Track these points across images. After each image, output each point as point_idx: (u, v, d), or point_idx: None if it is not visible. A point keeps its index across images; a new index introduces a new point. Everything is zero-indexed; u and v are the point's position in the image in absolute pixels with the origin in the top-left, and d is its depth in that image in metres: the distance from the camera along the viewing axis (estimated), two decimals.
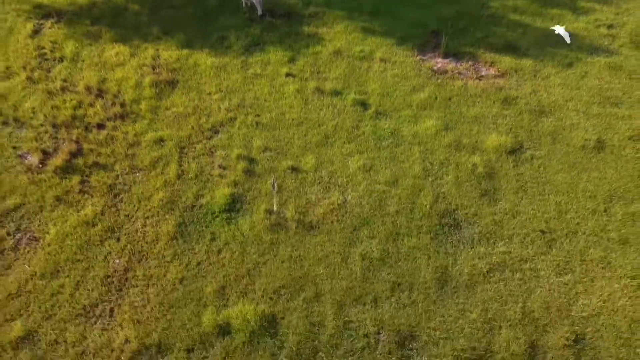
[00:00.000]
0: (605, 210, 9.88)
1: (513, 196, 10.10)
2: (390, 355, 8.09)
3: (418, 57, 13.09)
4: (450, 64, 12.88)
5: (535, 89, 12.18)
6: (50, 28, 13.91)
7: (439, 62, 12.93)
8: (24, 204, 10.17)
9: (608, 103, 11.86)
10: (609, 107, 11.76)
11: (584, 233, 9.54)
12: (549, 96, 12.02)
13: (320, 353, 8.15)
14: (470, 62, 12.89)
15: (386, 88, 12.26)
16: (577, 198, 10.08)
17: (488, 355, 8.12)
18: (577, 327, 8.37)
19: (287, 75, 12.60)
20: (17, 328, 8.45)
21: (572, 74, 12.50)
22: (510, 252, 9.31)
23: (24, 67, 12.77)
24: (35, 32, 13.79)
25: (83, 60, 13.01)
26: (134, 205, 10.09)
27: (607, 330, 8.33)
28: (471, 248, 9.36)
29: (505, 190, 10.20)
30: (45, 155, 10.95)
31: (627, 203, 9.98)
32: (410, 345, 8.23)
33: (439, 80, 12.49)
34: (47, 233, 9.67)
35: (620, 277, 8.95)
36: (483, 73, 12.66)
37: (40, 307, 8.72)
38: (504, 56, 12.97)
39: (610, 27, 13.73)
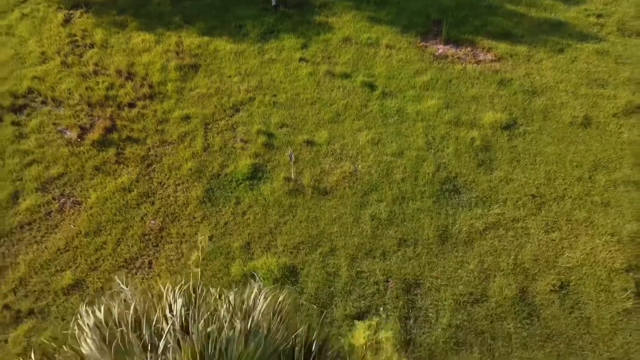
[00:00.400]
0: (589, 178, 11.02)
1: (507, 166, 11.24)
2: (397, 299, 9.24)
3: (421, 44, 14.21)
4: (450, 50, 14.00)
5: (528, 72, 13.31)
6: (79, 17, 15.04)
7: (440, 48, 14.06)
8: (65, 173, 11.32)
9: (595, 84, 12.98)
10: (595, 88, 12.88)
11: (570, 197, 10.68)
12: (541, 78, 13.15)
13: (335, 298, 9.29)
14: (469, 48, 14.02)
15: (392, 71, 13.39)
16: (565, 167, 11.22)
17: (483, 299, 9.27)
18: (562, 276, 9.51)
19: (301, 60, 13.73)
20: (67, 277, 9.60)
21: (563, 59, 13.63)
22: (504, 213, 10.45)
23: (58, 53, 13.91)
24: (66, 21, 14.92)
25: (112, 47, 14.15)
26: (166, 174, 11.24)
27: (589, 278, 9.48)
28: (469, 210, 10.49)
29: (500, 161, 11.33)
30: (83, 130, 12.10)
31: (610, 172, 11.12)
32: (415, 291, 9.37)
33: (440, 65, 13.62)
34: (88, 198, 10.82)
35: (602, 234, 10.09)
36: (481, 58, 13.79)
37: (86, 260, 9.88)
38: (500, 43, 14.10)
39: (599, 16, 14.85)
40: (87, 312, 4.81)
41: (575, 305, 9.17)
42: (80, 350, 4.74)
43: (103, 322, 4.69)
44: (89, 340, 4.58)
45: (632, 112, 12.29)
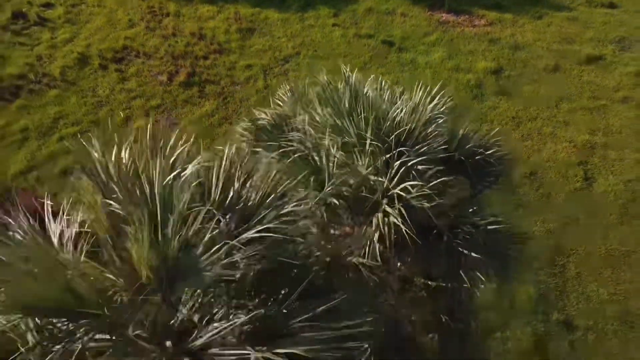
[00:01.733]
0: (556, 106, 14.94)
1: (494, 98, 15.16)
2: None
3: (428, 13, 18.15)
4: (451, 18, 17.94)
5: (513, 33, 17.25)
6: None
7: (444, 16, 17.98)
8: (162, 104, 15.27)
9: (564, 42, 16.91)
10: (565, 45, 16.81)
11: (541, 118, 14.61)
12: (522, 38, 17.08)
13: None
14: (466, 16, 17.95)
15: (406, 33, 17.33)
16: (538, 99, 15.15)
17: None
18: (532, 168, 13.42)
19: (334, 25, 17.69)
20: None
21: (541, 23, 17.56)
22: (491, 129, 14.35)
23: (142, 20, 17.88)
24: None
25: (184, 15, 18.11)
26: (237, 104, 15.18)
27: (551, 169, 13.39)
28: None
29: (489, 94, 15.25)
30: (171, 75, 16.05)
31: (571, 102, 15.04)
32: None
33: (443, 28, 17.55)
34: (182, 120, 14.76)
35: (562, 142, 14.00)
36: (476, 23, 17.72)
37: None
38: (491, 12, 18.04)
39: None
40: None
41: (541, 185, 13.08)
42: None
43: None
44: None
45: (591, 61, 16.22)
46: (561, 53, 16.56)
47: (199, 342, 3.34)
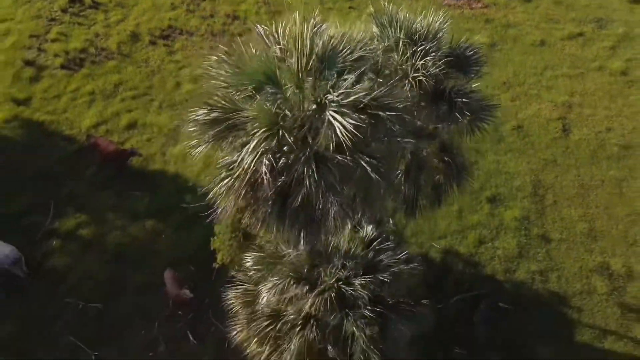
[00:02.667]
0: (541, 74, 17.75)
1: (489, 67, 17.94)
2: None
3: None
4: (453, 1, 20.75)
5: (505, 14, 20.06)
6: None
7: (446, 0, 20.80)
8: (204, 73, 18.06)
9: (550, 22, 19.72)
10: (550, 24, 19.62)
11: (527, 83, 17.42)
12: (514, 18, 19.89)
13: None
14: (465, 0, 20.77)
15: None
16: (525, 68, 17.96)
17: None
18: (519, 122, 16.22)
19: (350, 7, 20.51)
20: None
21: (530, 6, 20.36)
22: (483, 91, 17.16)
23: (182, 3, 20.69)
24: None
25: (219, 0, 20.96)
26: None
27: (535, 123, 16.19)
28: None
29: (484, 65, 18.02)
30: (211, 49, 18.87)
31: (554, 70, 17.85)
32: None
33: (446, 10, 20.37)
34: None
35: (545, 102, 16.81)
36: (474, 6, 20.52)
37: None
38: None
39: None
40: None
41: (527, 136, 15.89)
42: None
43: None
44: None
45: (573, 38, 19.03)
46: (547, 31, 19.37)
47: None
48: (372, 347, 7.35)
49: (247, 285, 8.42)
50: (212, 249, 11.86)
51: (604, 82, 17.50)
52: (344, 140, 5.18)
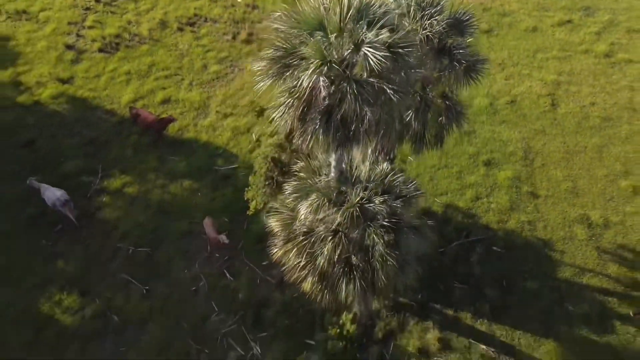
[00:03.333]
0: (533, 56, 19.81)
1: (486, 50, 20.00)
2: None
3: None
4: None
5: (502, 3, 22.11)
6: None
7: None
8: (229, 56, 20.17)
9: (542, 10, 21.78)
10: (542, 12, 21.68)
11: (520, 64, 19.47)
12: (509, 7, 21.95)
13: None
14: None
15: None
16: (519, 51, 20.01)
17: (470, 105, 18.01)
18: (513, 98, 18.27)
19: None
20: (245, 100, 18.39)
21: None
22: None
23: None
24: None
25: None
26: None
27: (527, 99, 18.24)
28: None
29: (481, 48, 20.08)
30: (234, 34, 20.96)
31: (544, 53, 19.90)
32: None
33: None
34: (246, 66, 19.64)
35: (536, 80, 18.85)
36: None
37: None
38: None
39: None
40: None
41: (519, 109, 17.95)
42: None
43: None
44: None
45: (562, 24, 21.10)
46: (539, 18, 21.43)
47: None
48: (388, 251, 9.38)
49: (285, 212, 10.45)
50: (245, 199, 13.91)
51: (589, 63, 19.56)
52: (375, 67, 7.21)
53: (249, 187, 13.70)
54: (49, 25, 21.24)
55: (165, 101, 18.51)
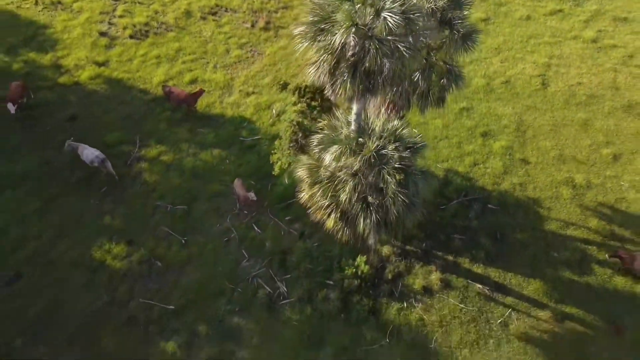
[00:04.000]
0: (526, 41, 21.89)
1: (483, 37, 22.07)
2: None
3: None
4: None
5: None
6: None
7: None
8: (249, 41, 22.28)
9: (536, 0, 23.87)
10: (536, 2, 23.77)
11: (514, 49, 21.55)
12: None
13: None
14: None
15: None
16: (514, 37, 22.10)
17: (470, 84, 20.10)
18: (507, 79, 20.35)
19: None
20: (268, 79, 20.50)
21: None
22: (480, 56, 21.30)
23: None
24: None
25: None
26: None
27: (520, 79, 20.32)
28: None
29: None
30: (252, 23, 23.07)
31: (537, 39, 22.00)
32: None
33: None
34: (265, 51, 21.74)
35: (529, 63, 20.95)
36: None
37: (273, 74, 20.77)
38: None
39: None
40: None
41: (513, 88, 20.03)
42: None
43: None
44: None
45: (554, 13, 23.19)
46: (532, 8, 23.52)
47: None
48: (399, 190, 11.45)
49: (311, 162, 12.54)
50: (271, 162, 15.97)
51: (577, 48, 21.64)
52: (392, 28, 9.25)
53: (275, 151, 15.77)
54: (83, 14, 23.36)
55: (193, 81, 20.59)
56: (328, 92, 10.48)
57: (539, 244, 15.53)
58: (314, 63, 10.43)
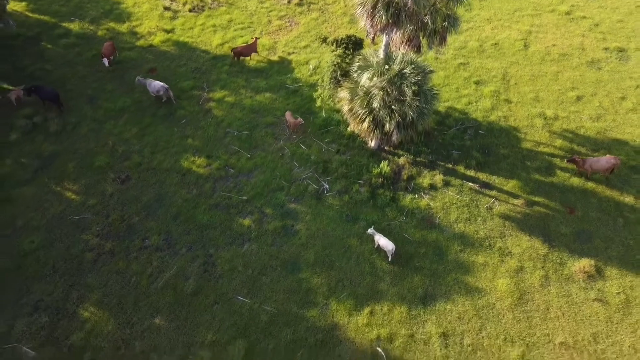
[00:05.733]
0: (512, 14, 27.48)
1: (477, 10, 27.66)
2: None
3: None
4: None
5: None
6: None
7: None
8: (287, 14, 27.91)
9: None
10: None
11: (503, 19, 27.15)
12: None
13: None
14: None
15: None
16: (502, 10, 27.71)
17: (464, 46, 25.69)
18: (496, 42, 25.95)
19: None
20: (302, 45, 26.14)
21: None
22: (474, 24, 26.88)
23: None
24: None
25: None
26: (330, 14, 27.74)
27: (506, 42, 25.91)
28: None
29: (474, 7, 27.73)
30: (288, 0, 28.69)
31: (521, 12, 27.61)
32: None
33: None
34: (300, 22, 27.34)
35: (514, 30, 26.54)
36: None
37: (296, 43, 26.40)
38: None
39: None
40: None
41: (500, 49, 25.62)
42: None
43: None
44: None
45: None
46: None
47: None
48: (414, 98, 16.99)
49: (351, 84, 18.10)
50: (314, 97, 21.53)
51: (553, 19, 27.25)
52: None
53: (317, 88, 21.33)
54: None
55: (244, 44, 26.19)
56: (367, 25, 15.99)
57: (517, 156, 21.07)
58: (360, 4, 15.96)
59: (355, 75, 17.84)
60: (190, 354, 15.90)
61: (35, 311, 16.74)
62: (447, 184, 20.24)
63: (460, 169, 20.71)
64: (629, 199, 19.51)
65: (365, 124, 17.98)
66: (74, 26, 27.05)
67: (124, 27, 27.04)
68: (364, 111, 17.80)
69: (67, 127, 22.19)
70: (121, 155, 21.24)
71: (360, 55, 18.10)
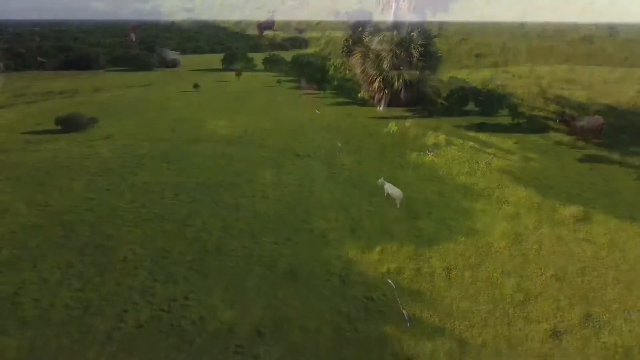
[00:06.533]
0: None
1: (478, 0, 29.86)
2: None
3: None
4: None
5: None
6: None
7: None
8: None
9: None
10: None
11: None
12: None
13: None
14: None
15: None
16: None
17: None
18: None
19: None
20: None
21: None
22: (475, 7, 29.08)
23: None
24: None
25: None
26: None
27: None
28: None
29: None
30: None
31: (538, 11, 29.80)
32: None
33: None
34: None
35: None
36: None
37: None
38: None
39: None
40: None
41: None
42: None
43: None
44: None
45: None
46: None
47: None
48: (420, 58, 19.11)
49: (362, 48, 20.26)
50: (327, 67, 23.71)
51: None
52: None
53: (330, 57, 23.53)
54: None
55: None
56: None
57: (514, 120, 23.19)
58: None
59: (366, 40, 19.99)
60: None
61: None
62: (449, 143, 22.34)
63: (461, 129, 22.81)
64: (615, 156, 21.61)
65: (376, 84, 20.12)
66: None
67: None
68: (374, 72, 19.95)
69: None
70: None
71: (372, 27, 20.32)
